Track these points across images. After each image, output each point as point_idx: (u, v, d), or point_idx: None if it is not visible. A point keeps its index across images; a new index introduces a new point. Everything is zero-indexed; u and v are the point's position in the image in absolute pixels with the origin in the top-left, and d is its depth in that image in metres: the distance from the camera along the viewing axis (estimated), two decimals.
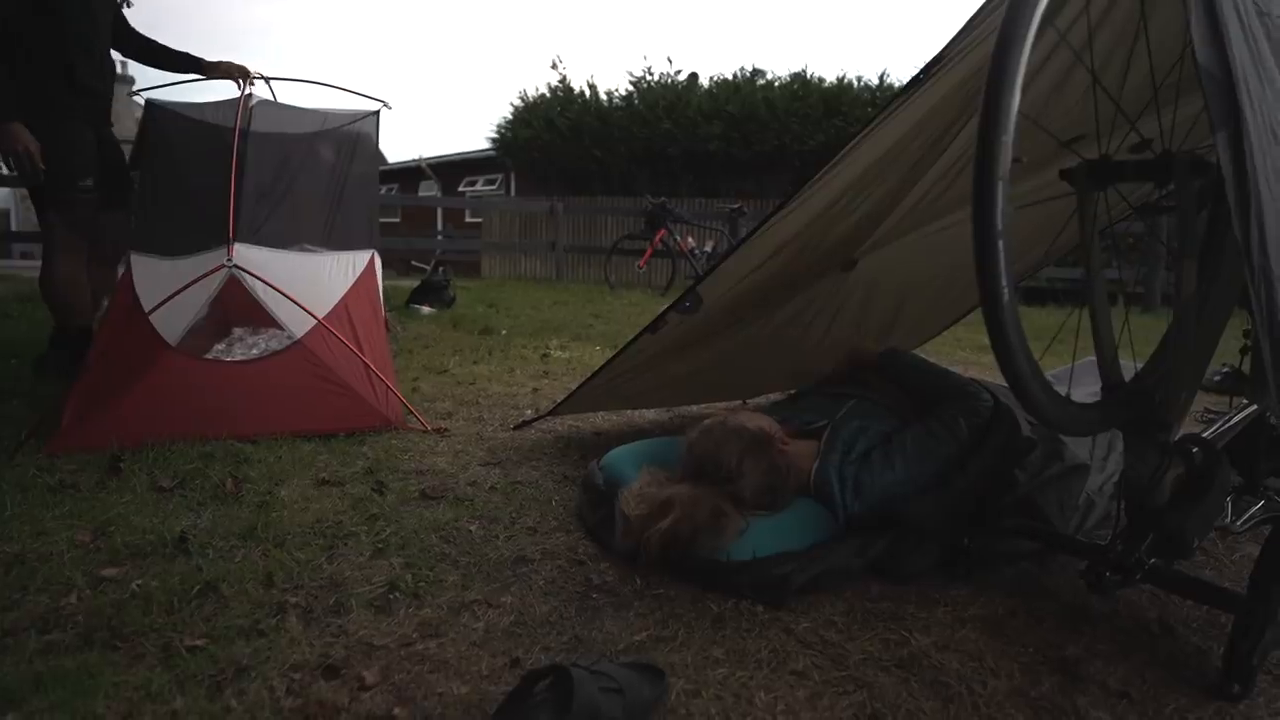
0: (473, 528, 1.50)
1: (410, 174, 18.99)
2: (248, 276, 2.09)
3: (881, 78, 12.06)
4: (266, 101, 2.77)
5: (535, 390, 2.80)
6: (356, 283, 2.49)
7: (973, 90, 1.46)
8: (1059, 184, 1.14)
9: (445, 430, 2.17)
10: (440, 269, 6.00)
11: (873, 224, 1.96)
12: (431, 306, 5.35)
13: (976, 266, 0.84)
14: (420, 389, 2.72)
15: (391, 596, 1.23)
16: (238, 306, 2.23)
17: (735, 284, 1.80)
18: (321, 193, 2.72)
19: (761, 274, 1.84)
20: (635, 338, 1.86)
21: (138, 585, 1.21)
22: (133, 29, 2.74)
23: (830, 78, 12.31)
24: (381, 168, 23.34)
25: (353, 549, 1.38)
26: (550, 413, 2.24)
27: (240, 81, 2.74)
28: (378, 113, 2.97)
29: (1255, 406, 1.47)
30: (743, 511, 1.32)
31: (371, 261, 2.64)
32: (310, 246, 2.55)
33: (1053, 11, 0.90)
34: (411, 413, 2.18)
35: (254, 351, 2.24)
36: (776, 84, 12.31)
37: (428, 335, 4.13)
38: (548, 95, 13.59)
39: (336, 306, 2.31)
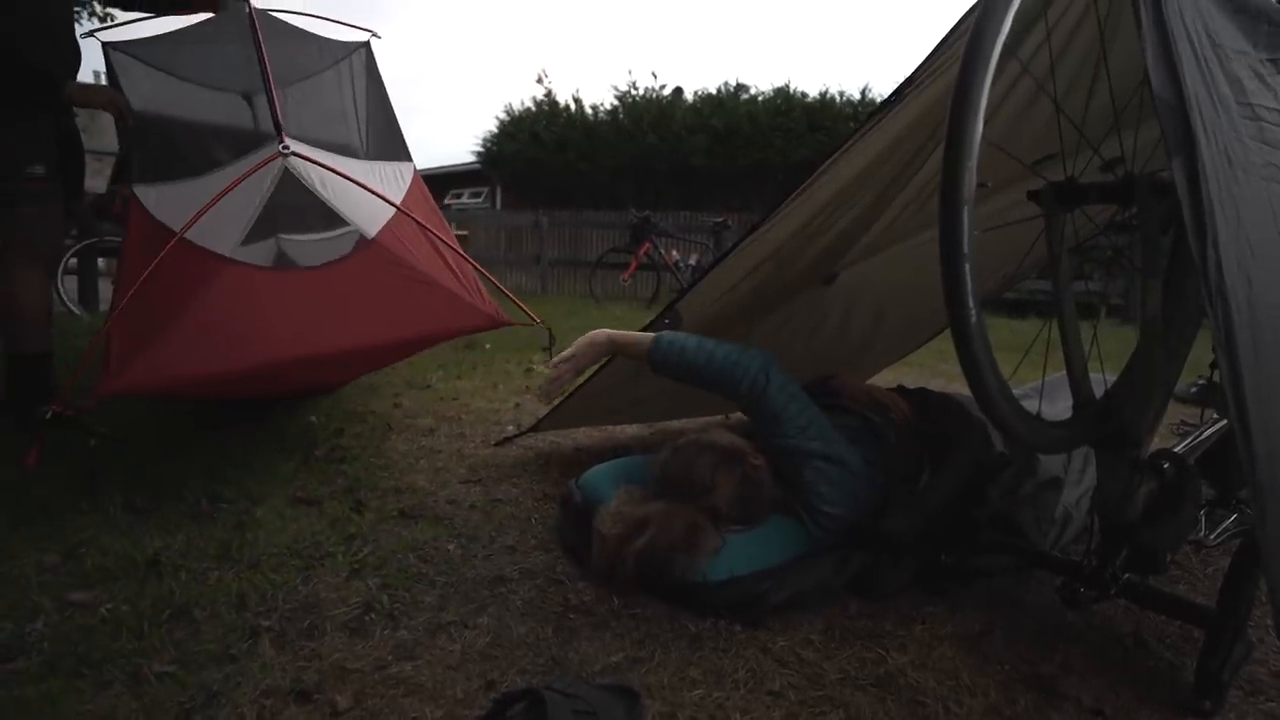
0: (451, 547, 1.49)
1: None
2: (306, 165, 1.82)
3: (863, 92, 12.20)
4: (265, 13, 2.36)
5: (517, 406, 2.79)
6: (410, 190, 2.31)
7: (942, 113, 1.48)
8: (1029, 204, 1.16)
9: (546, 325, 2.21)
10: None
11: (851, 239, 1.98)
12: None
13: (944, 289, 0.85)
14: (402, 404, 2.70)
15: (367, 618, 1.22)
16: (288, 210, 1.95)
17: (715, 299, 1.82)
18: (342, 107, 2.50)
19: (741, 290, 1.85)
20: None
21: (107, 610, 1.19)
22: None
23: (813, 92, 12.43)
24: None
25: (329, 570, 1.37)
26: (531, 429, 2.24)
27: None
28: (368, 43, 2.80)
29: (1226, 420, 1.50)
30: (719, 527, 1.32)
31: (417, 175, 2.46)
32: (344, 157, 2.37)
33: (1015, 40, 0.92)
34: (518, 305, 2.05)
35: (311, 248, 1.99)
36: (760, 98, 12.44)
37: None
38: (533, 109, 13.66)
39: (402, 204, 2.11)
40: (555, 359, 1.71)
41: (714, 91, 12.82)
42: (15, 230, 2.09)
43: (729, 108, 12.15)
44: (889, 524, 1.35)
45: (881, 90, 14.07)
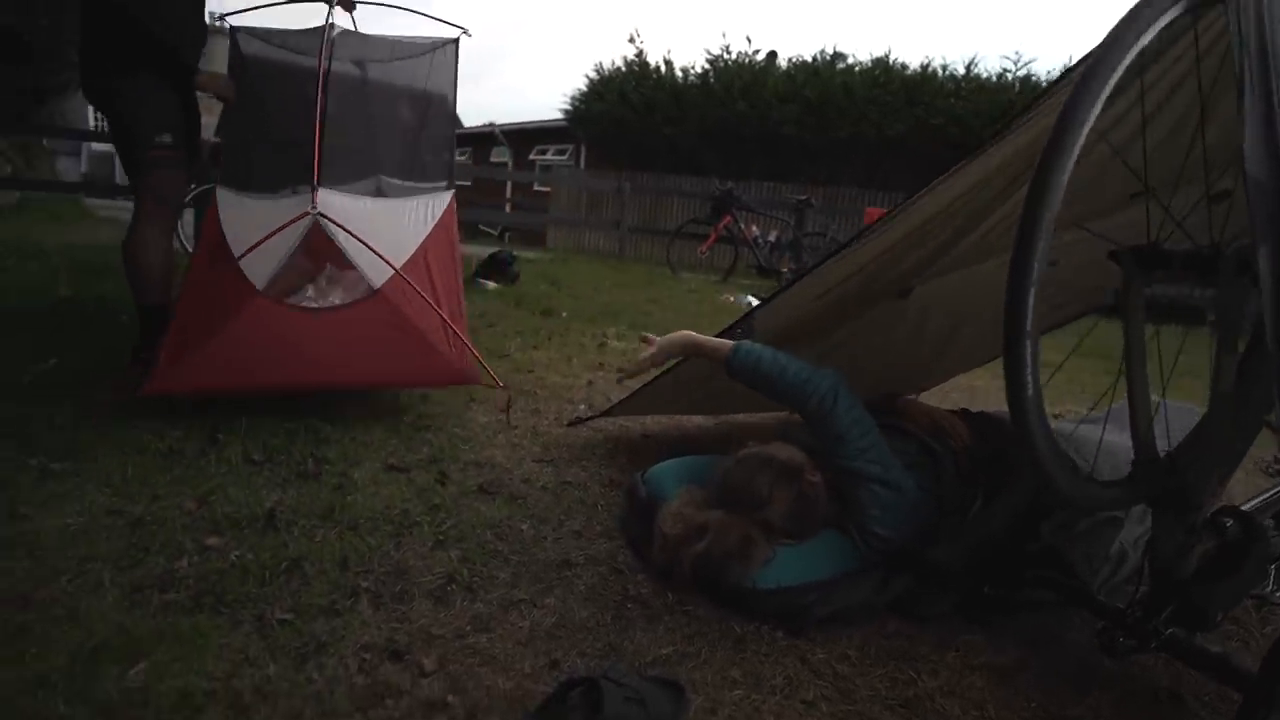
0: (524, 527, 1.64)
1: (484, 139, 19.31)
2: (330, 224, 2.12)
3: (969, 67, 11.55)
4: (348, 32, 2.71)
5: (589, 384, 2.92)
6: (436, 227, 2.53)
7: (1031, 159, 1.47)
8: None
9: (509, 392, 2.32)
10: (506, 235, 6.20)
11: (932, 260, 1.98)
12: (497, 282, 5.54)
13: (1005, 363, 0.90)
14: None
15: (449, 588, 1.38)
16: (322, 247, 2.27)
17: (791, 313, 1.87)
18: (401, 123, 2.81)
19: (818, 304, 1.90)
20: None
21: (235, 556, 1.39)
22: None
23: (914, 64, 11.86)
24: (456, 131, 23.69)
25: (416, 538, 1.54)
26: (603, 414, 2.36)
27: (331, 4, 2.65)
28: (457, 40, 2.99)
29: None
30: (771, 539, 1.41)
31: (451, 204, 2.69)
32: (390, 179, 2.67)
33: (1105, 126, 0.93)
34: (484, 369, 2.21)
35: (333, 299, 2.30)
36: (857, 69, 11.98)
37: (491, 313, 4.31)
38: (623, 69, 13.57)
39: (415, 254, 2.35)
40: (648, 351, 1.84)
41: (809, 59, 12.42)
42: (144, 193, 2.38)
43: (824, 77, 11.76)
44: (937, 553, 1.41)
45: (989, 66, 13.29)
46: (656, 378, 2.14)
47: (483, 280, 5.48)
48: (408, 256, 2.28)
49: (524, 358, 3.25)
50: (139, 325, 2.41)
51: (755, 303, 6.04)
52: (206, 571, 1.33)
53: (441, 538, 1.55)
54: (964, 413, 1.85)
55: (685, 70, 13.23)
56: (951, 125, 10.80)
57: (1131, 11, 0.92)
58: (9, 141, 10.07)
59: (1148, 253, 1.09)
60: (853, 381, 2.14)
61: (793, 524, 1.44)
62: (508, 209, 16.43)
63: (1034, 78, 11.13)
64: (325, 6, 2.60)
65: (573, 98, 14.15)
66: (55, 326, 3.01)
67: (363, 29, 2.84)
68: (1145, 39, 0.91)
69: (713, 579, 1.38)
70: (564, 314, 4.57)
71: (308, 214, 2.08)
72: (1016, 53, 10.84)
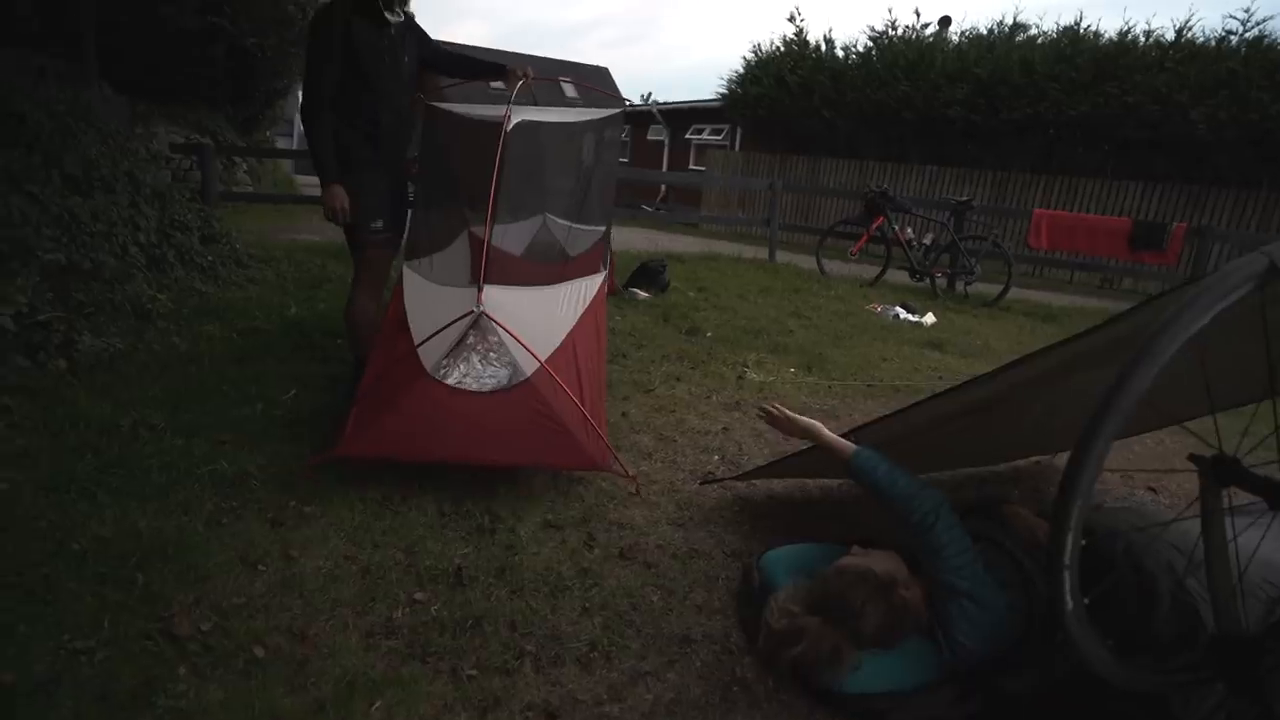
0: (655, 598, 1.96)
1: (642, 116, 19.73)
2: (490, 321, 2.46)
3: (1180, 31, 10.16)
4: (524, 121, 2.86)
5: (725, 430, 3.18)
6: (585, 313, 2.86)
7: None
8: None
9: (637, 481, 2.54)
10: (662, 208, 6.39)
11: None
12: (647, 292, 5.90)
13: (1049, 588, 1.06)
14: (629, 415, 3.22)
15: (592, 655, 1.73)
16: (483, 333, 2.52)
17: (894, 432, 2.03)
18: (570, 184, 3.29)
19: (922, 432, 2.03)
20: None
21: (435, 610, 1.82)
22: (444, 52, 3.16)
23: (1112, 30, 10.63)
24: (613, 95, 24.15)
25: (567, 603, 1.90)
26: (735, 478, 2.62)
27: (517, 83, 3.02)
28: (623, 110, 3.47)
29: None
30: (860, 647, 1.62)
31: (602, 287, 3.10)
32: (555, 218, 3.19)
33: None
34: (617, 460, 2.54)
35: (487, 380, 2.47)
36: (1040, 40, 10.95)
37: (641, 332, 4.67)
38: (781, 50, 13.32)
39: (564, 342, 2.63)
40: (784, 414, 2.20)
41: (984, 32, 11.53)
42: (360, 267, 2.98)
43: (999, 52, 10.92)
44: (1014, 684, 1.56)
45: (1209, 27, 11.57)
46: (790, 455, 2.37)
47: (634, 290, 5.86)
48: (556, 346, 2.57)
49: (667, 393, 3.57)
50: (353, 369, 3.00)
51: (904, 314, 6.00)
52: (415, 624, 1.77)
53: (588, 604, 1.91)
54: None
55: (846, 49, 12.78)
56: (1150, 102, 9.65)
57: (1206, 283, 1.02)
58: (247, 143, 11.79)
59: (1225, 465, 1.18)
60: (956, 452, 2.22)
61: (882, 635, 1.64)
62: (661, 191, 16.82)
63: (1269, 38, 9.62)
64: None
65: (729, 80, 14.15)
66: (290, 349, 3.75)
67: (541, 104, 3.27)
68: (1218, 308, 1.01)
69: (806, 677, 1.62)
70: (708, 334, 4.83)
71: (472, 313, 2.45)
72: (1247, 11, 9.36)
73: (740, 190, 13.20)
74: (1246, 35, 9.71)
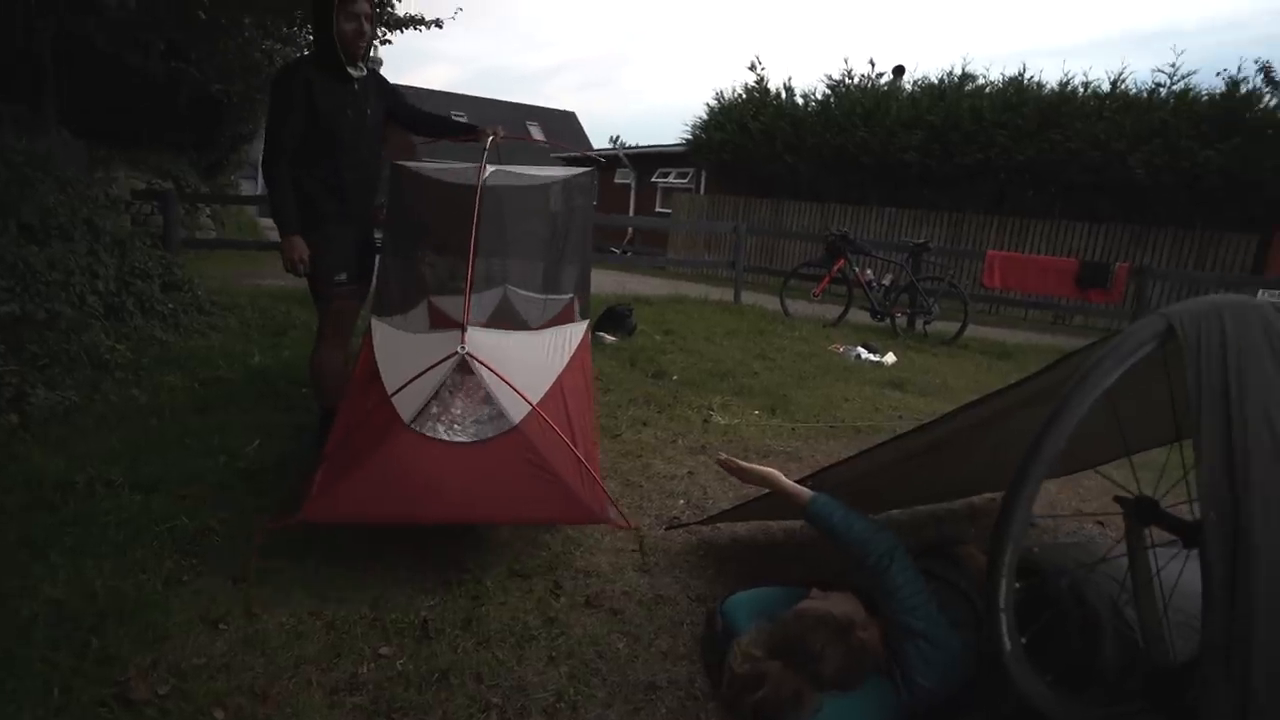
0: (620, 645, 1.98)
1: (609, 160, 20.13)
2: (475, 363, 2.27)
3: (1115, 83, 10.80)
4: (499, 170, 2.90)
5: (690, 474, 3.22)
6: (572, 359, 2.69)
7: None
8: None
9: (639, 529, 2.52)
10: (629, 251, 6.51)
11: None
12: (614, 335, 5.97)
13: (985, 628, 1.12)
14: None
15: (558, 706, 1.73)
16: (465, 378, 2.35)
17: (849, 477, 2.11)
18: (541, 246, 3.14)
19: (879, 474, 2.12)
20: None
21: (400, 665, 1.82)
22: (412, 108, 3.15)
23: (1053, 81, 11.26)
24: (583, 153, 24.63)
25: (534, 653, 1.91)
26: (699, 522, 2.66)
27: (488, 142, 2.99)
28: (594, 170, 3.39)
29: None
30: (821, 689, 1.66)
31: (586, 335, 2.95)
32: (516, 289, 3.04)
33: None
34: (617, 509, 2.38)
35: (472, 429, 2.29)
36: (988, 89, 11.54)
37: (608, 376, 4.72)
38: (743, 97, 13.78)
39: (553, 387, 2.47)
40: (737, 465, 2.23)
41: (935, 81, 12.10)
42: (324, 319, 2.96)
43: (950, 100, 11.45)
44: None
45: (1140, 80, 12.32)
46: (752, 500, 2.42)
47: (601, 334, 5.92)
48: (545, 390, 2.40)
49: (633, 439, 3.61)
50: (319, 420, 2.98)
51: (865, 354, 6.15)
52: (380, 679, 1.76)
53: (554, 654, 1.91)
54: (1023, 560, 1.99)
55: (806, 96, 13.28)
56: (1090, 149, 10.20)
57: (1113, 343, 1.12)
58: (210, 188, 11.76)
59: (1148, 507, 1.27)
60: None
61: (841, 677, 1.68)
62: (629, 234, 17.10)
63: (1193, 92, 10.28)
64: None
65: (693, 126, 14.54)
66: (253, 398, 3.72)
67: (514, 167, 3.16)
68: (1124, 367, 1.10)
69: None
70: (674, 377, 4.91)
71: (456, 353, 2.25)
72: (1173, 65, 10.03)
73: (706, 233, 13.52)
74: (1174, 88, 10.37)
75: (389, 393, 2.29)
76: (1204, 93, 10.09)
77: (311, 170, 2.79)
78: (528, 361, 2.51)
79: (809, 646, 1.70)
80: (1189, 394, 1.06)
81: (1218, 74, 12.40)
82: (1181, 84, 10.36)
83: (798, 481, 2.12)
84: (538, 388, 2.40)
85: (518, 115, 33.09)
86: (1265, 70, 12.21)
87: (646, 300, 7.98)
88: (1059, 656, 1.69)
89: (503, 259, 3.11)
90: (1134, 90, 10.61)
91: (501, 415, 2.26)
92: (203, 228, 10.29)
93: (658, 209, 17.72)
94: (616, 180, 19.52)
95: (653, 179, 18.25)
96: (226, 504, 2.53)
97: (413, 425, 2.21)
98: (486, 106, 31.84)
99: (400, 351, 2.52)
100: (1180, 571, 1.33)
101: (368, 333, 2.72)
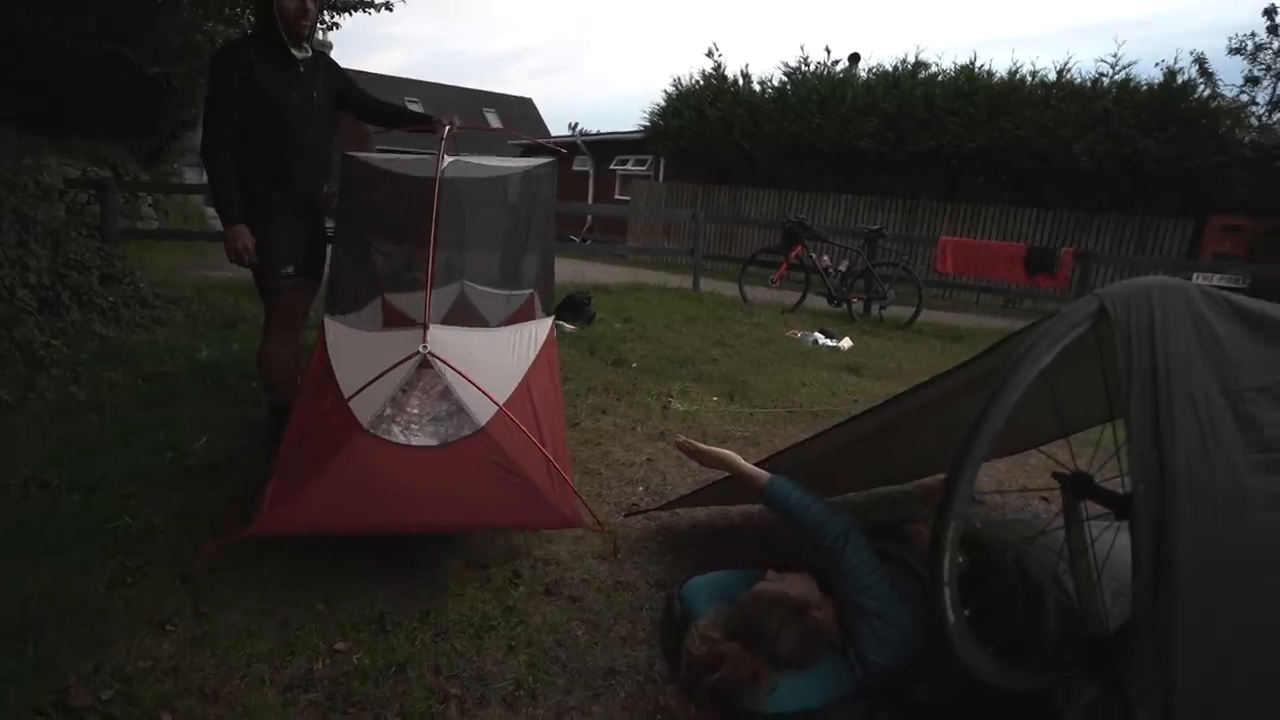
0: (580, 633, 1.98)
1: (566, 147, 19.96)
2: (439, 362, 2.19)
3: (1061, 72, 11.10)
4: (457, 161, 2.78)
5: (649, 461, 3.24)
6: (538, 356, 2.60)
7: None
8: None
9: (615, 539, 2.40)
10: (588, 239, 6.46)
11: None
12: (573, 324, 5.95)
13: (929, 604, 1.16)
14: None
15: (518, 694, 1.74)
16: (427, 378, 2.27)
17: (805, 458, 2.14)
18: (501, 240, 3.05)
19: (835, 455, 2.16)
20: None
21: (357, 659, 1.79)
22: (364, 95, 3.03)
23: (1003, 69, 11.50)
24: (540, 140, 24.40)
25: (493, 643, 1.91)
26: (658, 508, 2.68)
27: (444, 132, 2.86)
28: (556, 161, 3.24)
29: None
30: (777, 669, 1.70)
31: (551, 332, 2.85)
32: (474, 284, 2.94)
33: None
34: (588, 509, 2.31)
35: (435, 432, 2.20)
36: (940, 78, 11.74)
37: (567, 365, 4.69)
38: (700, 84, 13.77)
39: (519, 387, 2.38)
40: (695, 447, 2.24)
41: (890, 69, 12.26)
42: (271, 313, 2.84)
43: (904, 88, 11.62)
44: (916, 695, 1.66)
45: (1084, 70, 12.69)
46: (710, 484, 2.45)
47: (560, 323, 5.89)
48: (511, 390, 2.33)
49: (592, 427, 3.61)
50: (270, 419, 2.89)
51: (823, 339, 6.24)
52: (336, 674, 1.74)
53: (513, 643, 1.91)
54: (970, 534, 2.06)
55: (763, 83, 13.33)
56: (1039, 136, 10.47)
57: (1048, 325, 1.15)
58: (152, 176, 11.28)
59: (1080, 481, 1.32)
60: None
61: (797, 656, 1.72)
62: (588, 222, 17.01)
63: (1133, 81, 10.63)
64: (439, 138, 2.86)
65: (651, 113, 14.49)
66: (201, 393, 3.61)
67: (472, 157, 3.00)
68: (1059, 348, 1.14)
69: (726, 701, 1.68)
70: (634, 364, 4.91)
71: (418, 353, 2.16)
72: (1114, 55, 10.34)
73: (665, 220, 13.52)
74: (1116, 78, 10.70)
75: (345, 396, 2.18)
76: (1144, 83, 10.44)
77: (255, 156, 2.67)
78: (492, 360, 2.43)
79: (765, 627, 1.73)
80: (1119, 372, 1.11)
81: (1156, 64, 12.81)
82: (1123, 74, 10.70)
83: (755, 465, 2.14)
84: (504, 387, 2.32)
85: (473, 101, 32.52)
86: (1199, 62, 12.66)
87: (606, 288, 7.96)
88: (1004, 628, 1.76)
89: (460, 253, 3.01)
90: (1079, 80, 10.91)
91: (465, 416, 2.18)
92: (145, 218, 9.89)
93: (617, 196, 17.65)
94: (575, 168, 19.36)
95: (611, 166, 18.15)
96: (173, 502, 2.45)
97: (372, 430, 2.11)
98: (441, 92, 31.19)
99: (356, 351, 2.42)
100: (1113, 542, 1.38)
101: (321, 330, 2.61)
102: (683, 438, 2.33)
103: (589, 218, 17.24)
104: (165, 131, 11.89)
